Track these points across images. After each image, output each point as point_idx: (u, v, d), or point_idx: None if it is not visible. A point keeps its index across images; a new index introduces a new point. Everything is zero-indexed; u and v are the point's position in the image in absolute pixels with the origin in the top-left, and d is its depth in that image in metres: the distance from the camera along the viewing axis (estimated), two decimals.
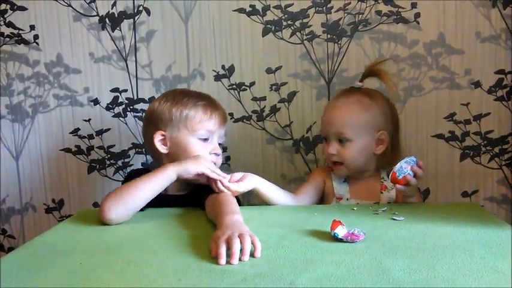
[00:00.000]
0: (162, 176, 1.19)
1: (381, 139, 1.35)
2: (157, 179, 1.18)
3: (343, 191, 1.38)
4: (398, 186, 1.22)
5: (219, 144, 1.35)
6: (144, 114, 1.46)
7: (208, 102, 1.34)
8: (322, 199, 1.42)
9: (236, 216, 1.04)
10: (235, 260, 0.86)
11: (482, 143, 1.60)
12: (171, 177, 1.19)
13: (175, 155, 1.29)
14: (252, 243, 0.90)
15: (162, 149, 1.31)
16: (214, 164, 1.28)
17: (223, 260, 0.86)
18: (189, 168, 1.21)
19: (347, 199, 1.37)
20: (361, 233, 0.97)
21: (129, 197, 1.15)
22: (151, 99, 1.64)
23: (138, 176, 1.31)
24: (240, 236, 0.90)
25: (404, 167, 1.21)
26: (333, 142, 1.35)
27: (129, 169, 1.68)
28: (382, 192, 1.37)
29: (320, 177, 1.42)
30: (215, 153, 1.31)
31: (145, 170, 1.44)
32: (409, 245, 0.94)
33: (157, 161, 1.36)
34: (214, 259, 0.87)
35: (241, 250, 0.88)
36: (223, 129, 1.36)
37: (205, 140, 1.31)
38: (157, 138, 1.30)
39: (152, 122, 1.33)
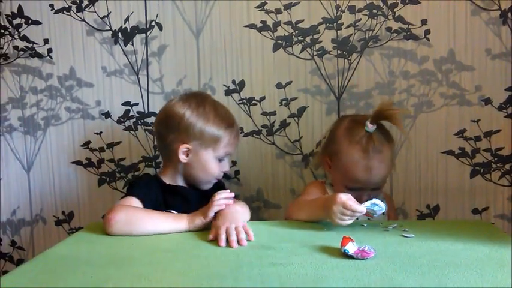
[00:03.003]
0: (174, 225, 1.20)
1: None
2: (169, 224, 1.20)
3: None
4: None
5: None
6: (164, 112, 1.37)
7: (235, 127, 1.38)
8: None
9: (237, 207, 1.22)
10: (234, 244, 1.06)
11: (493, 160, 1.59)
12: (180, 229, 1.21)
13: (192, 167, 1.34)
14: (246, 232, 1.11)
15: (183, 159, 1.32)
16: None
17: (223, 242, 1.07)
18: (200, 227, 1.21)
19: None
20: (371, 250, 0.97)
21: (137, 223, 1.18)
22: None
23: (154, 184, 1.35)
24: (236, 229, 1.10)
25: (376, 204, 1.18)
26: (366, 192, 1.32)
27: None
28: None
29: (317, 192, 1.40)
30: (224, 171, 1.38)
31: (158, 180, 1.39)
32: (420, 263, 0.94)
33: (170, 161, 1.36)
34: (212, 241, 1.10)
35: (239, 241, 1.07)
36: None
37: (221, 160, 1.35)
38: (182, 150, 1.32)
39: (179, 130, 1.32)
